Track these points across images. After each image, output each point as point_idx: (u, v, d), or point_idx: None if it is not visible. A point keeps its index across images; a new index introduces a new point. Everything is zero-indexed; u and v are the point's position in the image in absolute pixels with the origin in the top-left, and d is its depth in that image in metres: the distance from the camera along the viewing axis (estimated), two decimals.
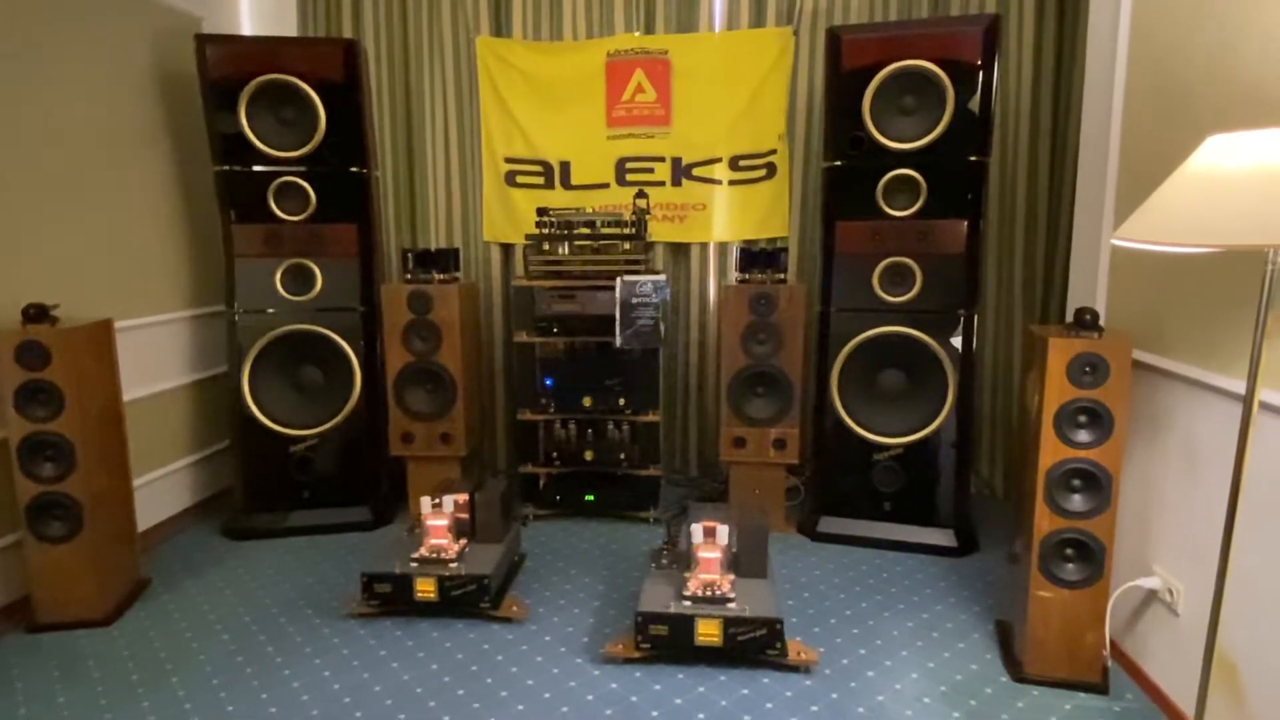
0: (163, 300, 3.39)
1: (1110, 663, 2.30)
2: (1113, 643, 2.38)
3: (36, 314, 2.52)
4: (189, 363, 3.53)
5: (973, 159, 2.99)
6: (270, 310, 3.31)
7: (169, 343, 3.42)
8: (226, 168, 3.24)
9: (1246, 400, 1.52)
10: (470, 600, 2.61)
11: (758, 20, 3.67)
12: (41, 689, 2.29)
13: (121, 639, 2.57)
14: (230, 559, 3.17)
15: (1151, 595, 2.27)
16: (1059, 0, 3.42)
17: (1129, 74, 2.41)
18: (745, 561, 2.54)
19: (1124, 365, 2.09)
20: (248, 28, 3.89)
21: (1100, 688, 2.24)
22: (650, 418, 3.41)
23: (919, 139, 2.98)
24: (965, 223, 3.03)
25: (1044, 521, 2.18)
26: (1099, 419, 2.12)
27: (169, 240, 3.42)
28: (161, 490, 3.36)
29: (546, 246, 3.38)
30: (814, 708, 2.18)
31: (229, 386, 3.34)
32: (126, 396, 2.89)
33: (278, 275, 3.30)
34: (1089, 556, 2.18)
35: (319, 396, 3.38)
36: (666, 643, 2.33)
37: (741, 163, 3.74)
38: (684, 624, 2.31)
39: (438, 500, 2.76)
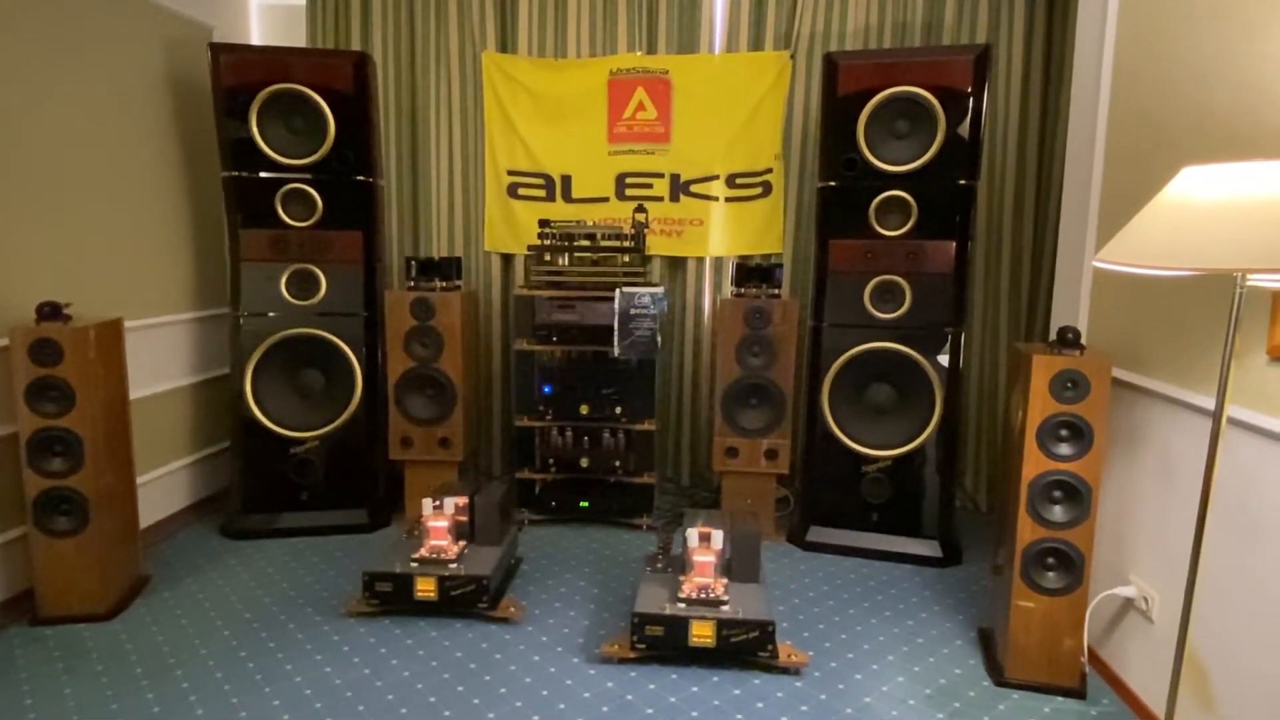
0: (168, 302, 3.44)
1: (1088, 668, 2.39)
2: (1090, 649, 2.47)
3: (50, 312, 2.57)
4: (192, 364, 3.58)
5: (962, 182, 3.10)
6: (274, 314, 3.37)
7: (173, 343, 3.47)
8: (235, 173, 3.31)
9: (1216, 416, 1.62)
10: (469, 600, 2.67)
11: (756, 44, 3.79)
12: (47, 681, 2.33)
13: (124, 633, 2.61)
14: (229, 558, 3.21)
15: (1128, 603, 2.36)
16: (1046, 33, 3.56)
17: (1111, 105, 2.53)
18: (738, 566, 2.61)
19: (1104, 382, 2.19)
20: (257, 38, 3.97)
21: (1078, 692, 2.33)
22: (645, 426, 3.48)
23: (911, 162, 3.09)
24: (954, 243, 3.14)
25: (1026, 531, 2.28)
26: (1080, 433, 2.21)
27: (176, 243, 3.48)
28: (162, 489, 3.40)
29: (548, 257, 3.46)
30: (803, 708, 2.25)
31: (231, 388, 3.40)
32: (131, 395, 2.93)
33: (282, 280, 3.36)
34: (1069, 565, 2.27)
35: (320, 400, 3.44)
36: (661, 643, 2.40)
37: (738, 180, 3.85)
38: (679, 625, 2.39)
39: (438, 502, 2.82)
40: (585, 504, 3.58)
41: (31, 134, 2.74)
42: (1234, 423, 1.88)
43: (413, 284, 3.49)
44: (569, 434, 3.51)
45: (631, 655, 2.45)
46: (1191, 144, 2.09)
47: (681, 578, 2.54)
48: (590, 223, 3.60)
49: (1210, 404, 1.95)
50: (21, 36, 2.70)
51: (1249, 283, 1.56)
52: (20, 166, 2.70)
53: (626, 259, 3.43)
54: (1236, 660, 1.89)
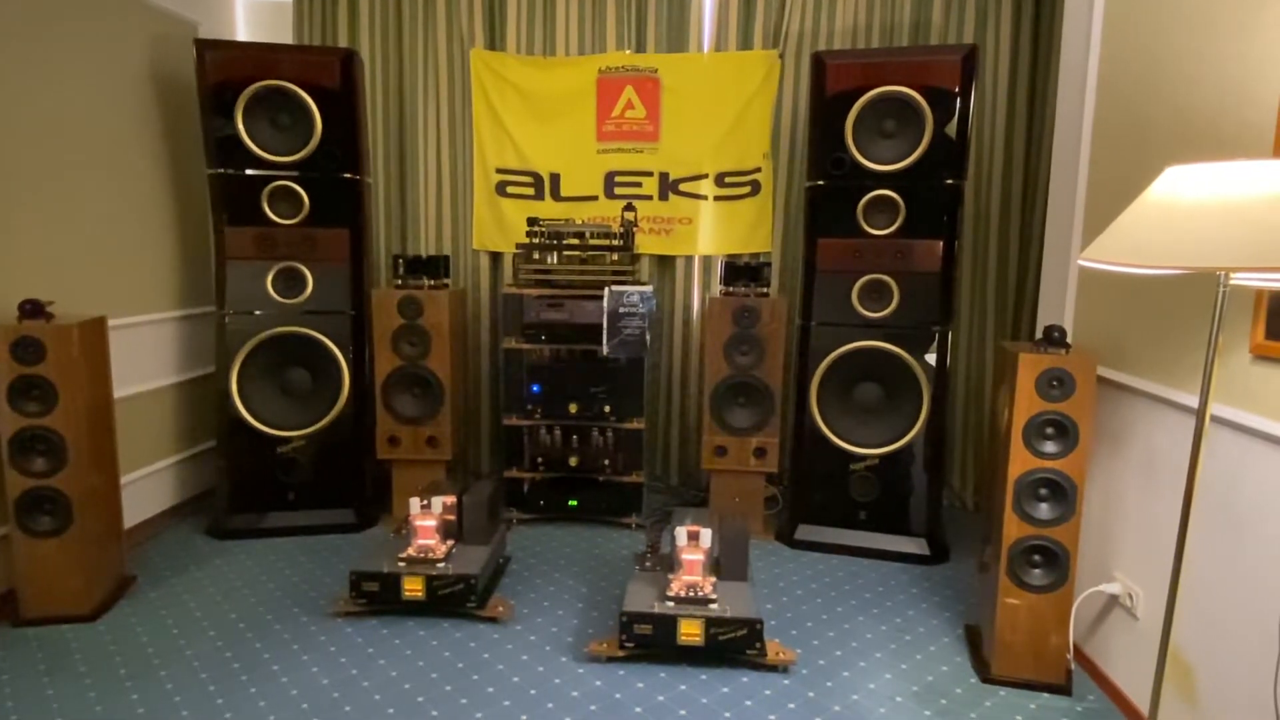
0: (153, 300, 3.41)
1: (1073, 665, 2.41)
2: (1076, 646, 2.49)
3: (33, 310, 2.54)
4: (177, 362, 3.55)
5: (949, 181, 3.11)
6: (260, 312, 3.34)
7: (158, 342, 3.44)
8: (221, 170, 3.28)
9: (1199, 414, 1.63)
10: (457, 600, 2.66)
11: (745, 43, 3.79)
12: (29, 682, 2.31)
13: (108, 634, 2.59)
14: (215, 558, 3.18)
15: (1113, 600, 2.38)
16: (1033, 33, 3.59)
17: (1098, 104, 2.55)
18: (726, 565, 2.62)
19: (1089, 380, 2.21)
20: (243, 34, 3.95)
21: (1064, 689, 2.34)
22: (634, 425, 3.48)
23: (898, 161, 3.10)
24: (941, 242, 3.15)
25: (1012, 528, 2.29)
26: (1065, 431, 2.23)
27: (161, 240, 3.45)
28: (147, 488, 3.37)
29: (536, 256, 3.45)
30: (791, 705, 2.26)
31: (216, 387, 3.37)
32: (115, 394, 2.90)
33: (269, 278, 3.34)
34: (1054, 562, 2.28)
35: (306, 399, 3.42)
36: (650, 642, 2.40)
37: (727, 179, 3.85)
38: (667, 623, 2.39)
39: (426, 501, 2.81)
40: (574, 503, 3.58)
41: (14, 130, 2.71)
42: (1217, 420, 1.90)
43: (400, 282, 3.47)
44: (557, 433, 3.51)
45: (620, 654, 2.45)
46: (1176, 143, 2.11)
47: (670, 576, 2.54)
48: (579, 221, 3.60)
49: (1194, 402, 1.97)
50: (3, 32, 2.66)
51: (1232, 281, 1.57)
52: (2, 163, 2.67)
53: (615, 257, 3.43)
54: (1220, 656, 1.90)
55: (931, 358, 3.19)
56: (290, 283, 3.36)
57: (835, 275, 3.25)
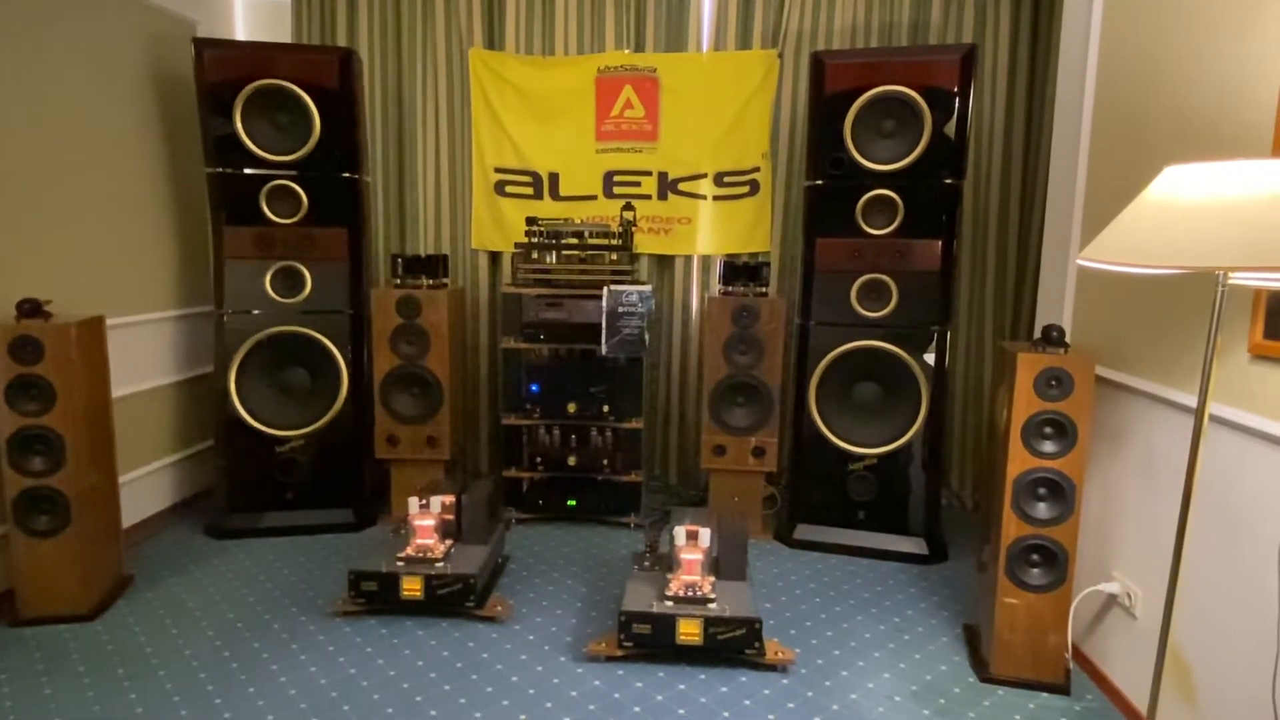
0: (151, 299, 3.41)
1: (1072, 664, 2.41)
2: (1074, 645, 2.49)
3: (31, 309, 2.54)
4: (175, 362, 3.55)
5: (948, 181, 3.12)
6: (258, 311, 3.34)
7: (156, 341, 3.44)
8: (220, 170, 3.28)
9: (1198, 413, 1.63)
10: (456, 599, 2.66)
11: (744, 42, 3.79)
12: (27, 682, 2.31)
13: (106, 634, 2.58)
14: (213, 558, 3.18)
15: (1111, 600, 2.38)
16: (1032, 33, 3.59)
17: (1096, 103, 2.55)
18: (725, 564, 2.62)
19: (1088, 380, 2.21)
20: (242, 33, 3.94)
21: (1062, 688, 2.34)
22: (633, 425, 3.48)
23: (897, 161, 3.10)
24: (940, 242, 3.16)
25: (1011, 528, 2.29)
26: (1064, 430, 2.23)
27: (159, 240, 3.45)
28: (145, 488, 3.36)
29: (535, 255, 3.45)
30: (790, 704, 2.26)
31: (215, 386, 3.37)
32: (114, 393, 2.90)
33: (267, 277, 3.34)
34: (1053, 562, 2.28)
35: (305, 398, 3.42)
36: (649, 641, 2.40)
37: (726, 179, 3.85)
38: (666, 623, 2.39)
39: (425, 501, 2.81)
40: (573, 503, 3.58)
41: (13, 130, 2.71)
42: (1215, 420, 1.90)
43: (399, 281, 3.46)
44: (556, 432, 3.51)
45: (619, 653, 2.45)
46: (1174, 143, 2.11)
47: (669, 576, 2.54)
48: (578, 221, 3.59)
49: (1192, 401, 1.97)
50: (2, 32, 2.66)
51: (1230, 281, 1.58)
52: (1, 163, 2.66)
53: (614, 257, 3.43)
54: (1218, 655, 1.90)
55: (930, 357, 3.19)
56: (289, 282, 3.36)
57: (834, 275, 3.25)
